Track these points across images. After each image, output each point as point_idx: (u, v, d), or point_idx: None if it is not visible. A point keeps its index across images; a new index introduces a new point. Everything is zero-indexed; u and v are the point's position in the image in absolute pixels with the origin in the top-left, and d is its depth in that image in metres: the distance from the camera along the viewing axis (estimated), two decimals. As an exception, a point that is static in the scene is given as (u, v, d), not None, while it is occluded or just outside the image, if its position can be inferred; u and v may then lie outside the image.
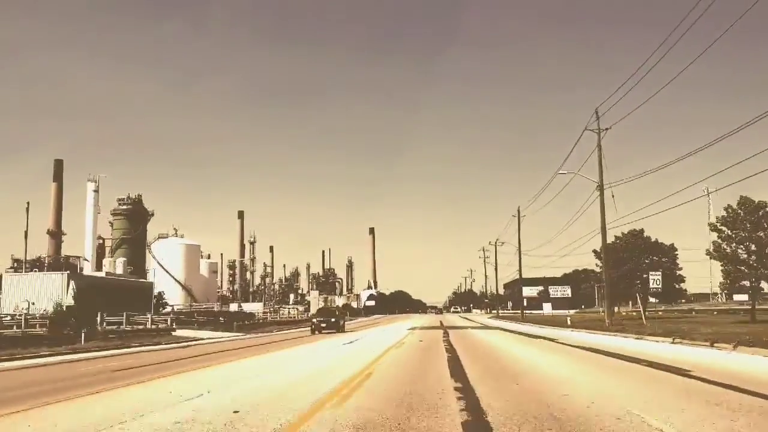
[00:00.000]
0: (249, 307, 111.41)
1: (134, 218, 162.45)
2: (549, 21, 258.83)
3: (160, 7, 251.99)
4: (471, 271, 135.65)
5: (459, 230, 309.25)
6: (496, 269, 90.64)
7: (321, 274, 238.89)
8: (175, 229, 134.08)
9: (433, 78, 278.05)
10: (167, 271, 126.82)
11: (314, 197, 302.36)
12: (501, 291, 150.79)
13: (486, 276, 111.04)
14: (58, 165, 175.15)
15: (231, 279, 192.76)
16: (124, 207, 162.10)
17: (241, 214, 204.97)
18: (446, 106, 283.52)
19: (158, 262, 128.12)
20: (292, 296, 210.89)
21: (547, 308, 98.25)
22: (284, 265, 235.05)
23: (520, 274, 67.76)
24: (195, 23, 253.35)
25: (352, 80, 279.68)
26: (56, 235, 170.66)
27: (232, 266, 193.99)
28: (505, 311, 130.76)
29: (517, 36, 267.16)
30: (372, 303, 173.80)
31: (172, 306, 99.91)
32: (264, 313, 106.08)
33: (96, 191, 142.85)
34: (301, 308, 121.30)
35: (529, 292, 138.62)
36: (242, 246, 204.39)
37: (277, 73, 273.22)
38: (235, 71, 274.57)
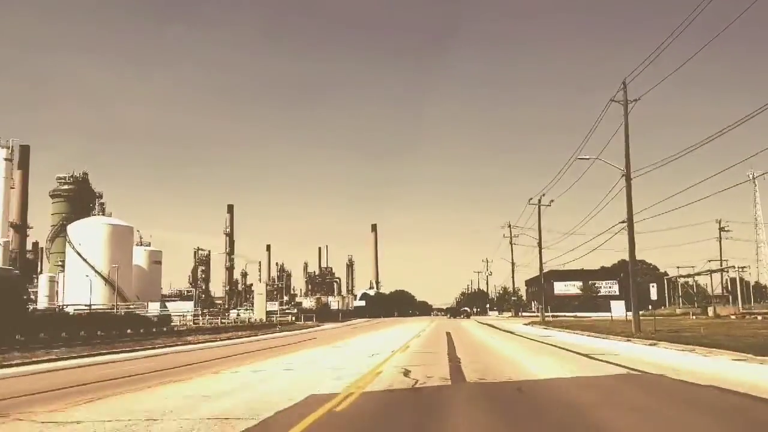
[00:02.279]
0: (178, 306, 73.10)
1: (78, 201, 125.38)
2: (555, 18, 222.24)
3: (166, 6, 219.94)
4: (487, 261, 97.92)
5: (467, 232, 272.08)
6: (540, 245, 50.94)
7: (317, 273, 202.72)
8: (101, 203, 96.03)
9: (440, 78, 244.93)
10: (84, 260, 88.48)
11: (316, 197, 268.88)
12: (518, 285, 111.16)
13: (513, 263, 71.55)
14: (24, 151, 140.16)
15: (203, 276, 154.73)
16: (66, 187, 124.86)
17: (230, 208, 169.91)
18: (453, 105, 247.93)
19: (73, 248, 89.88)
20: (285, 297, 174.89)
21: (617, 308, 58.68)
22: (276, 263, 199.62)
23: (630, 230, 27.76)
24: (200, 22, 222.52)
25: (358, 80, 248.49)
26: (21, 228, 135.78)
27: (204, 261, 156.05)
28: (529, 314, 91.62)
29: (524, 34, 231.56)
30: (362, 303, 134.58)
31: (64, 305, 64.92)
32: (195, 315, 68.12)
33: (8, 160, 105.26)
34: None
35: (563, 288, 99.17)
36: (232, 241, 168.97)
37: (280, 72, 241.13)
38: (238, 69, 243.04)
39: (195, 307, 71.49)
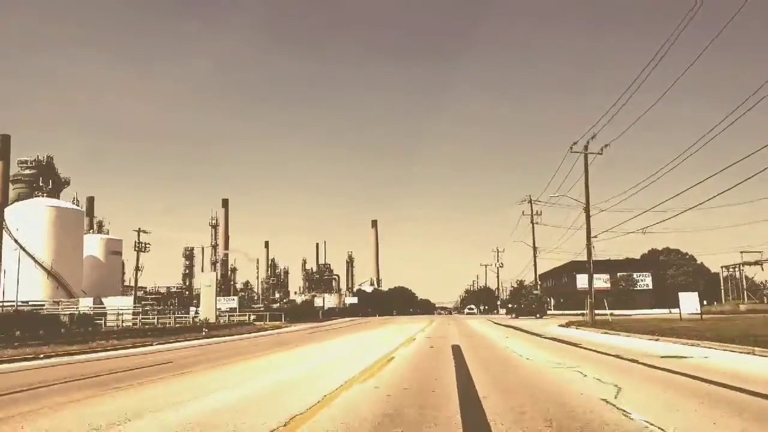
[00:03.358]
0: (117, 303, 56.49)
1: (41, 187, 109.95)
2: (563, 23, 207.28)
3: (168, 3, 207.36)
4: (497, 251, 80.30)
5: (471, 233, 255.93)
6: (587, 209, 33.31)
7: (315, 270, 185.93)
8: (48, 186, 79.73)
9: (447, 79, 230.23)
10: (22, 248, 72.34)
11: (316, 195, 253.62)
12: (530, 279, 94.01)
13: (535, 247, 54.25)
14: (5, 141, 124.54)
15: (187, 271, 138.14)
16: (27, 172, 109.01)
17: (225, 203, 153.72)
18: (459, 106, 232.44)
19: (10, 234, 73.68)
20: (279, 294, 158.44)
21: (689, 303, 41.30)
22: (273, 259, 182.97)
23: None
24: (206, 21, 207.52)
25: (366, 81, 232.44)
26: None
27: (189, 256, 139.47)
28: (553, 312, 74.46)
29: (530, 37, 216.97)
30: (354, 301, 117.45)
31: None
32: (135, 313, 51.59)
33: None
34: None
35: (587, 281, 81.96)
36: (226, 237, 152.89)
37: (280, 70, 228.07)
38: (245, 69, 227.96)
39: (135, 303, 54.85)
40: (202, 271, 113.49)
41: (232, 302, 54.38)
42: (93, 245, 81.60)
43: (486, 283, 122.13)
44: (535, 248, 52.73)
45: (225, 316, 48.77)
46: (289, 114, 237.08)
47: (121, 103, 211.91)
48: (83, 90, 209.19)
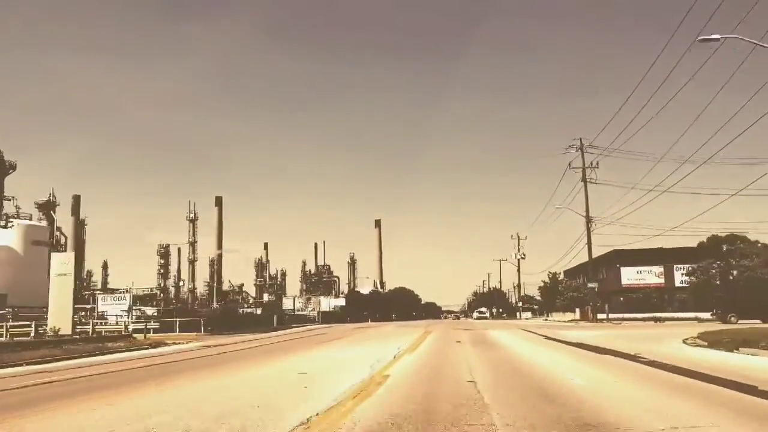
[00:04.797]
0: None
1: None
2: (569, 24, 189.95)
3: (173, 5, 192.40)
4: (518, 238, 61.30)
5: (477, 236, 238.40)
6: None
7: (313, 271, 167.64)
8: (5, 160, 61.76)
9: (448, 79, 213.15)
10: None
11: (318, 197, 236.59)
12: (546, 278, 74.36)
13: (588, 217, 34.94)
14: None
15: (162, 271, 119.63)
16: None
17: (219, 201, 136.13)
18: (464, 107, 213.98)
19: None
20: (270, 297, 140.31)
21: None
22: (268, 260, 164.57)
23: None
24: (207, 21, 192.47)
25: (367, 81, 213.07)
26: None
27: (164, 254, 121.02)
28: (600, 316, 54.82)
29: (537, 39, 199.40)
30: (341, 303, 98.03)
31: None
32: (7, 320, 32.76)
33: None
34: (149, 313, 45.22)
35: (635, 276, 62.24)
36: (219, 238, 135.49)
37: (280, 71, 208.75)
38: (245, 69, 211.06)
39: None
40: (166, 272, 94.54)
41: (123, 304, 35.71)
42: (8, 234, 62.98)
43: (500, 283, 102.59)
44: (588, 217, 33.41)
45: (86, 324, 29.74)
46: (290, 114, 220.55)
47: (121, 103, 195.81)
48: (82, 89, 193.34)
